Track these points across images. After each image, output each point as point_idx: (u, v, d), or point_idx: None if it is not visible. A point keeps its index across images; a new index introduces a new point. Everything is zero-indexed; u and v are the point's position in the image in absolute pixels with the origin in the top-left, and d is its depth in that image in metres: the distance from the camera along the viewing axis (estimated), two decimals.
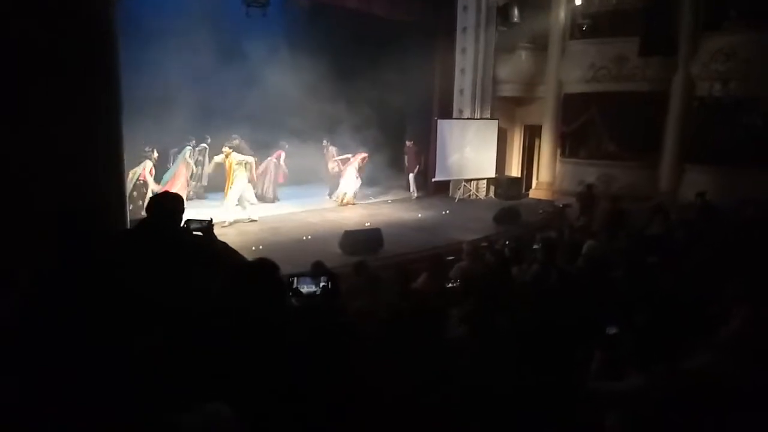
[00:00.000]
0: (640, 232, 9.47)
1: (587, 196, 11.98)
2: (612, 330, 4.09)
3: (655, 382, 3.44)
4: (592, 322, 4.65)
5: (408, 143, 14.68)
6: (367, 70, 13.10)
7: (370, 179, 14.18)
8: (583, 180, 13.25)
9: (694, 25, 12.82)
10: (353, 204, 13.14)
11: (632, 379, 3.56)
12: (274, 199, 13.17)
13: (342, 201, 13.11)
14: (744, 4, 12.24)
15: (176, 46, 10.46)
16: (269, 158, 13.08)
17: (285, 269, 2.88)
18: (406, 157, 14.75)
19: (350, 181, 13.17)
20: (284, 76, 11.79)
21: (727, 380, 4.33)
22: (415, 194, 14.44)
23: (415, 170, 14.49)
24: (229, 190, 10.66)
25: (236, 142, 11.50)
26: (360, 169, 13.26)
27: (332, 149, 13.71)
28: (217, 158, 11.18)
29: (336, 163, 13.53)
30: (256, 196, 12.06)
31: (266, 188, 13.05)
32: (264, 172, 12.93)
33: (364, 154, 13.34)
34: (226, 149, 10.89)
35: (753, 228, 9.03)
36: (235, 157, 10.81)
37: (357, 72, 13.33)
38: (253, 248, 8.58)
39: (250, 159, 11.10)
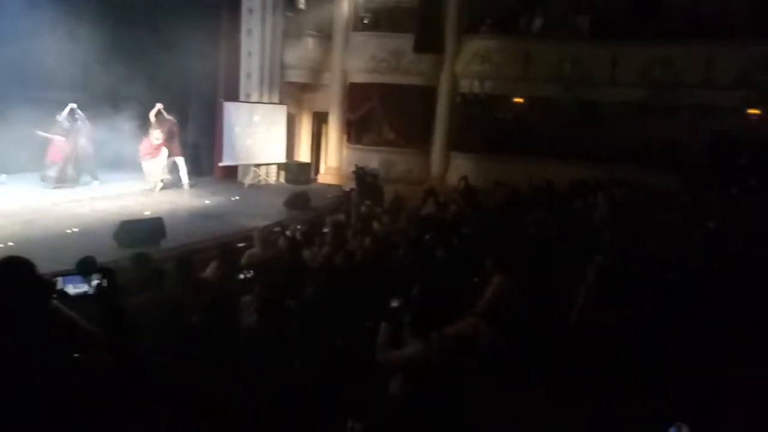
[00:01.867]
0: (416, 213, 10.45)
1: (363, 181, 12.85)
2: (395, 303, 4.47)
3: (428, 347, 3.87)
4: (378, 296, 5.01)
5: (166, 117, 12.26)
6: (146, 48, 12.06)
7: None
8: (365, 165, 14.09)
9: (457, 28, 14.44)
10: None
11: (411, 346, 3.95)
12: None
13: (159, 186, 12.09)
14: (495, 13, 14.18)
15: None
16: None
17: (46, 268, 2.51)
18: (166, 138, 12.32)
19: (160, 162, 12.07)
20: (58, 52, 10.22)
21: (483, 341, 5.06)
22: (187, 183, 12.72)
23: (174, 154, 12.52)
24: None
25: None
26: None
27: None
28: None
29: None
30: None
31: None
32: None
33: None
34: None
35: (505, 208, 10.65)
36: None
37: (137, 49, 12.19)
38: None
39: None
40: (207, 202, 11.82)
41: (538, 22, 13.88)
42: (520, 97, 14.72)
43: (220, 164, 14.10)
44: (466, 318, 5.39)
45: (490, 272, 5.74)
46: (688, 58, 12.33)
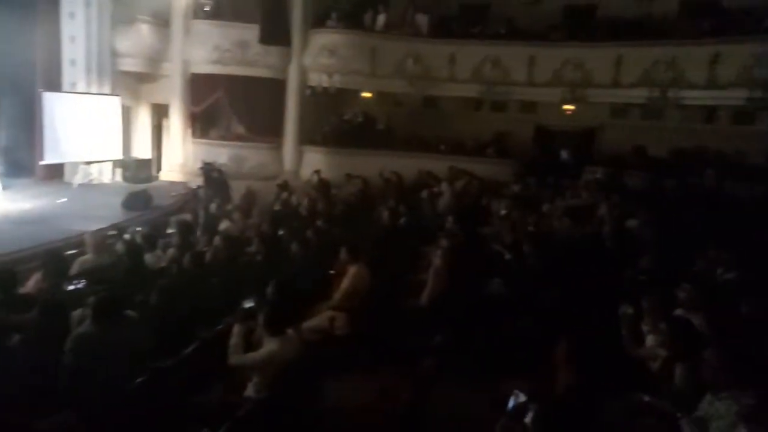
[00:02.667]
0: (270, 208, 10.27)
1: (210, 177, 12.32)
2: (248, 303, 4.35)
3: (284, 345, 3.83)
4: (231, 298, 4.84)
5: None
6: None
7: None
8: (213, 161, 13.48)
9: (304, 21, 14.35)
10: None
11: (267, 346, 3.88)
12: None
13: None
14: (341, 8, 14.34)
15: None
16: None
17: None
18: None
19: None
20: None
21: (340, 332, 5.14)
22: None
23: None
24: None
25: None
26: None
27: None
28: None
29: None
30: None
31: None
32: None
33: None
34: None
35: (358, 198, 10.89)
36: None
37: None
38: None
39: None
40: (27, 206, 10.42)
41: (381, 19, 14.31)
42: (368, 91, 15.09)
43: (42, 163, 12.52)
44: (323, 311, 5.44)
45: (345, 263, 5.84)
46: (514, 58, 13.58)
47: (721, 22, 11.68)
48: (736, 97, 11.12)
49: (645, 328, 4.36)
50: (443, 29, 14.42)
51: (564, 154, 13.75)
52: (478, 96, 14.30)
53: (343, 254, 5.86)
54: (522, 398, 3.04)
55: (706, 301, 4.35)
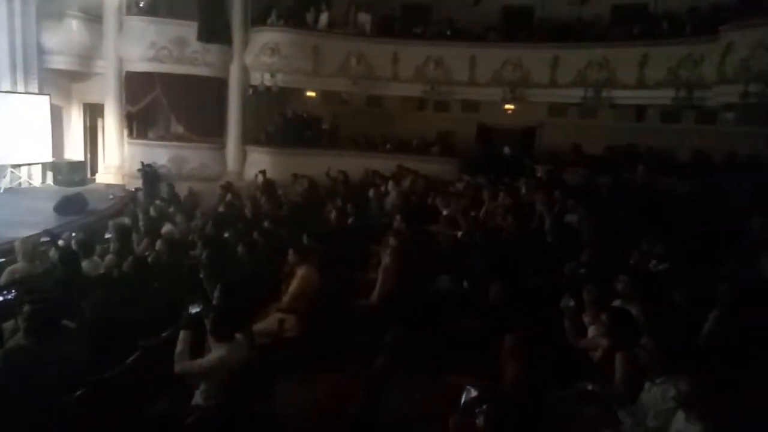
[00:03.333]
0: (214, 209, 10.01)
1: (150, 179, 11.93)
2: (194, 308, 4.22)
3: (233, 350, 3.75)
4: (176, 303, 4.68)
5: None
6: None
7: None
8: (153, 162, 13.03)
9: (244, 19, 14.06)
10: None
11: (214, 352, 3.78)
12: None
13: None
14: (282, 7, 14.13)
15: None
16: None
17: None
18: None
19: None
20: None
21: (290, 334, 5.09)
22: None
23: None
24: None
25: None
26: None
27: None
28: None
29: None
30: None
31: None
32: None
33: None
34: None
35: (305, 198, 10.78)
36: None
37: None
38: None
39: None
40: None
41: (324, 18, 14.22)
42: (312, 90, 14.97)
43: None
44: (272, 314, 5.36)
45: (293, 264, 5.77)
46: (456, 58, 13.82)
47: (649, 26, 12.34)
48: (664, 96, 11.78)
49: (586, 319, 4.54)
50: (386, 29, 14.50)
51: (506, 150, 14.14)
52: (421, 95, 14.47)
53: (291, 256, 5.80)
54: (473, 393, 3.10)
55: (641, 291, 4.57)
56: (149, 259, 6.20)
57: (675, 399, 3.00)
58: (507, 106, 14.26)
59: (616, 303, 4.49)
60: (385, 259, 6.05)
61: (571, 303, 4.60)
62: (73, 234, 7.65)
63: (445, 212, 8.73)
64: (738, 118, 11.07)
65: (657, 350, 3.36)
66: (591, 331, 4.47)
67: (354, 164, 12.96)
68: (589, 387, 3.84)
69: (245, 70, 14.28)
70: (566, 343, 4.47)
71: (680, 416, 2.99)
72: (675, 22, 12.02)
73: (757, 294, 4.61)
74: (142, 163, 12.88)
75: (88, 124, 14.89)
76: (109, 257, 6.51)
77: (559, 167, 11.72)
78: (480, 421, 2.89)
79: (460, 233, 7.63)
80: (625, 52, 12.23)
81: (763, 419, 3.18)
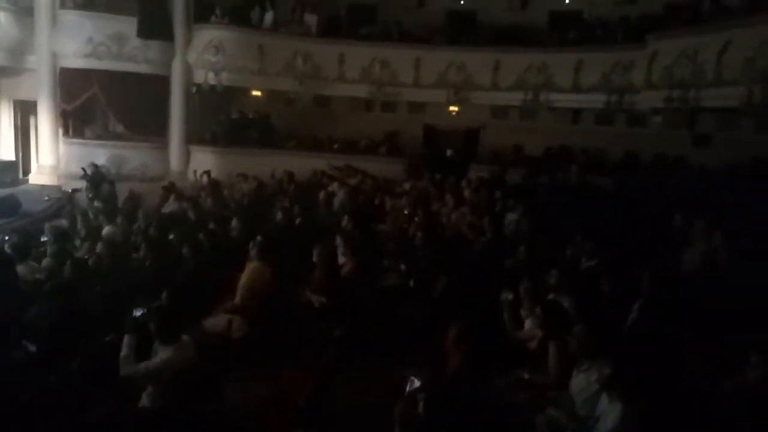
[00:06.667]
0: (157, 210, 9.80)
1: (95, 179, 11.49)
2: (138, 311, 4.20)
3: (179, 352, 3.76)
4: (118, 306, 4.63)
5: None
6: None
7: None
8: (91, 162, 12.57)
9: (186, 16, 13.76)
10: None
11: (160, 355, 3.79)
12: None
13: None
14: (226, 4, 13.93)
15: None
16: None
17: None
18: None
19: None
20: None
21: (237, 334, 5.11)
22: None
23: None
24: None
25: None
26: None
27: None
28: None
29: None
30: None
31: None
32: None
33: None
34: None
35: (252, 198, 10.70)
36: None
37: None
38: None
39: None
40: None
41: (269, 17, 14.10)
42: (258, 89, 14.83)
43: None
44: (219, 315, 5.36)
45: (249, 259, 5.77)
46: (401, 60, 14.04)
47: (584, 32, 12.96)
48: (597, 100, 12.39)
49: (523, 312, 4.82)
50: (332, 29, 14.54)
51: (449, 152, 14.50)
52: (368, 96, 14.60)
53: (253, 252, 5.78)
54: (417, 383, 3.27)
55: (572, 285, 4.89)
56: (90, 262, 6.06)
57: (597, 381, 3.27)
58: (451, 108, 14.60)
59: (550, 296, 4.79)
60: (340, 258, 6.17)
61: (510, 296, 4.87)
62: (6, 237, 7.34)
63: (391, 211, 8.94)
64: (665, 122, 11.81)
65: (584, 338, 3.64)
66: (528, 324, 4.75)
67: (301, 164, 12.95)
68: (525, 376, 4.10)
69: (188, 68, 13.97)
70: (505, 334, 4.73)
71: (604, 399, 3.26)
72: (608, 30, 12.67)
73: (675, 285, 5.02)
74: (92, 164, 12.30)
75: (19, 123, 14.18)
76: (46, 261, 6.31)
77: (502, 168, 12.15)
78: (420, 408, 3.05)
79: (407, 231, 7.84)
80: (562, 57, 12.76)
81: (677, 399, 3.50)
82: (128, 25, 12.98)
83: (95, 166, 12.08)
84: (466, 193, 10.02)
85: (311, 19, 14.33)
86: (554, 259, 5.97)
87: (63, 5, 13.22)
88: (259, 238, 5.98)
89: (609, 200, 9.12)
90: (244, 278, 5.52)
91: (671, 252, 6.28)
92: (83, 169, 11.95)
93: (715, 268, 5.68)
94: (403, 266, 6.46)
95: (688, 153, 11.46)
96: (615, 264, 5.64)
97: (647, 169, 11.14)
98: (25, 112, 14.15)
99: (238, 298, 5.43)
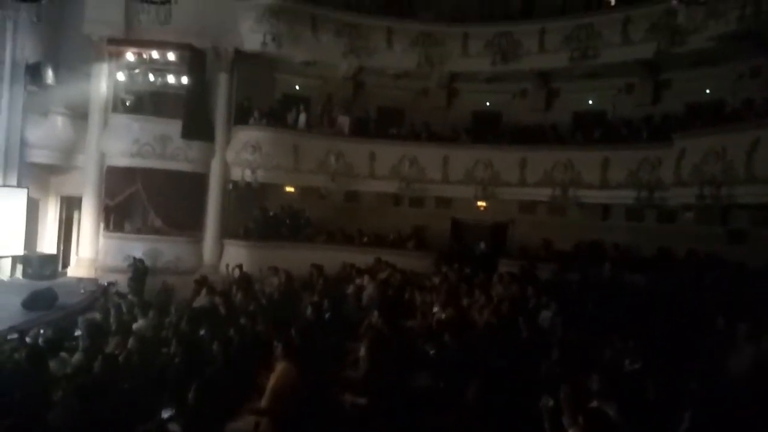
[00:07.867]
0: (189, 304, 9.86)
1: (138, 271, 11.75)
2: (167, 413, 4.14)
3: None
4: (148, 406, 4.56)
5: None
6: None
7: None
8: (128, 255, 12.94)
9: (227, 118, 14.68)
10: None
11: None
12: None
13: None
14: (263, 109, 14.84)
15: None
16: None
17: None
18: None
19: None
20: None
21: None
22: None
23: None
24: None
25: None
26: None
27: None
28: None
29: None
30: None
31: None
32: None
33: None
34: None
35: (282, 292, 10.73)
36: None
37: None
38: None
39: None
40: None
41: (302, 119, 14.92)
42: (292, 186, 15.37)
43: None
44: (246, 415, 5.21)
45: (277, 359, 5.65)
46: (429, 157, 14.49)
47: (609, 131, 13.27)
48: (626, 196, 12.41)
49: (565, 420, 4.54)
50: (362, 129, 15.24)
51: (481, 245, 14.47)
52: (397, 192, 14.96)
53: (278, 350, 5.68)
54: None
55: (617, 390, 4.63)
56: (120, 358, 6.06)
57: None
58: (479, 203, 14.79)
59: (593, 404, 4.53)
60: (363, 352, 6.03)
61: (551, 402, 4.61)
62: (41, 330, 7.44)
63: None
64: (696, 218, 11.69)
65: None
66: None
67: (331, 258, 13.06)
68: None
69: (226, 166, 14.68)
70: None
71: None
72: (632, 129, 12.96)
73: (727, 392, 4.73)
74: (133, 256, 12.64)
75: (63, 217, 14.85)
76: (77, 356, 6.33)
77: (531, 263, 12.01)
78: None
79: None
80: (588, 155, 13.00)
81: None
82: (172, 127, 13.88)
83: (141, 260, 12.38)
84: (498, 288, 9.87)
85: (344, 121, 15.09)
86: (591, 360, 5.73)
87: (115, 109, 14.27)
88: (284, 336, 5.90)
89: (643, 298, 8.85)
90: (273, 379, 5.40)
91: (715, 355, 5.98)
92: (134, 257, 12.23)
93: (766, 372, 5.37)
94: (433, 366, 6.26)
95: (720, 249, 11.21)
96: (659, 368, 5.37)
97: (681, 265, 10.87)
98: (70, 207, 14.86)
99: (265, 401, 5.29)
